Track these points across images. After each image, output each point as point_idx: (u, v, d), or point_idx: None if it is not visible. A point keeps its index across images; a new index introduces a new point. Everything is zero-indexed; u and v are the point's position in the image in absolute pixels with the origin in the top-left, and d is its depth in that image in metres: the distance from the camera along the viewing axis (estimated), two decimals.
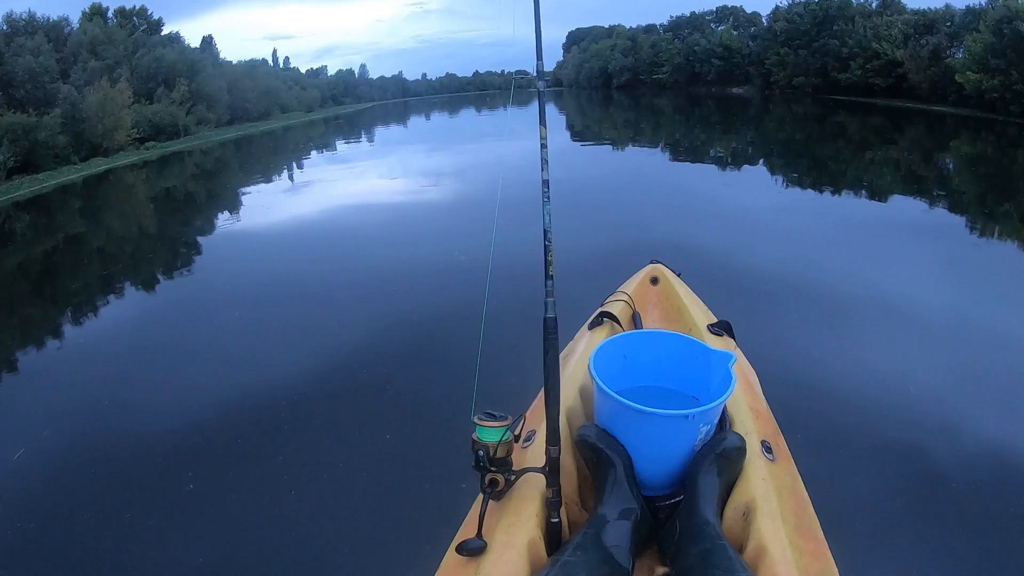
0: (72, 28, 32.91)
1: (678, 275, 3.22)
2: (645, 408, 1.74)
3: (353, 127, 38.30)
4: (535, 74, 1.84)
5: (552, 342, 1.72)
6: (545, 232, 1.75)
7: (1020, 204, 9.70)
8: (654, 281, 3.13)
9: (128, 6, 40.55)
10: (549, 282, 1.73)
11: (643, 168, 14.59)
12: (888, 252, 6.86)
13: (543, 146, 1.79)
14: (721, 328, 2.70)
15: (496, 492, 1.68)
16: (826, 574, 1.55)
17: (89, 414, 4.38)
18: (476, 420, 1.66)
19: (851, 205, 9.85)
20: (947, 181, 12.38)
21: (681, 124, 27.54)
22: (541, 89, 1.82)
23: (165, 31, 41.75)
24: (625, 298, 2.90)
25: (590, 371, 1.91)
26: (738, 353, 2.53)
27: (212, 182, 19.62)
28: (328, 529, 2.97)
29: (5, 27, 28.38)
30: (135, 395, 4.63)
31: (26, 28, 28.92)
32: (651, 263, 3.26)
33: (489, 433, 1.64)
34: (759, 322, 4.66)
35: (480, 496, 1.69)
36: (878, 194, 10.63)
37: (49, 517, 3.29)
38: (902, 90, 32.07)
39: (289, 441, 3.74)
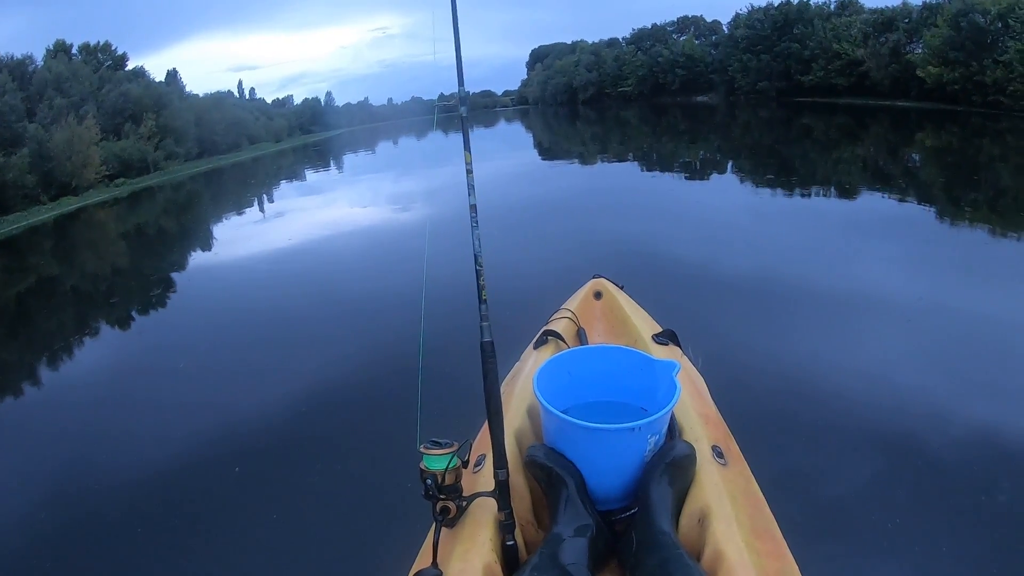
0: (36, 66, 32.57)
1: (621, 288, 3.22)
2: (591, 424, 1.76)
3: (322, 155, 38.09)
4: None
5: (491, 366, 1.73)
6: (476, 257, 1.76)
7: (986, 192, 9.95)
8: (597, 296, 3.13)
9: (92, 42, 40.34)
10: (483, 306, 1.74)
11: (603, 183, 14.54)
12: (846, 249, 6.98)
13: (468, 172, 1.81)
14: (666, 337, 2.71)
15: (448, 519, 1.67)
16: (786, 573, 1.55)
17: (57, 460, 4.28)
18: (422, 449, 1.65)
19: (815, 204, 10.05)
20: (913, 174, 12.64)
21: (648, 135, 27.79)
22: (463, 115, 1.84)
23: (130, 66, 41.39)
24: (569, 315, 2.88)
25: (534, 391, 1.91)
26: (684, 361, 2.55)
27: (183, 217, 19.30)
28: (285, 572, 2.91)
29: None
30: (102, 439, 4.53)
31: None
32: (594, 277, 3.26)
33: (436, 461, 1.63)
34: (708, 327, 4.71)
35: (433, 525, 1.67)
36: (842, 192, 10.88)
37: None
38: (864, 88, 32.73)
39: (240, 486, 3.64)
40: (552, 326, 2.77)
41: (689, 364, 2.60)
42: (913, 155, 15.33)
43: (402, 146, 40.46)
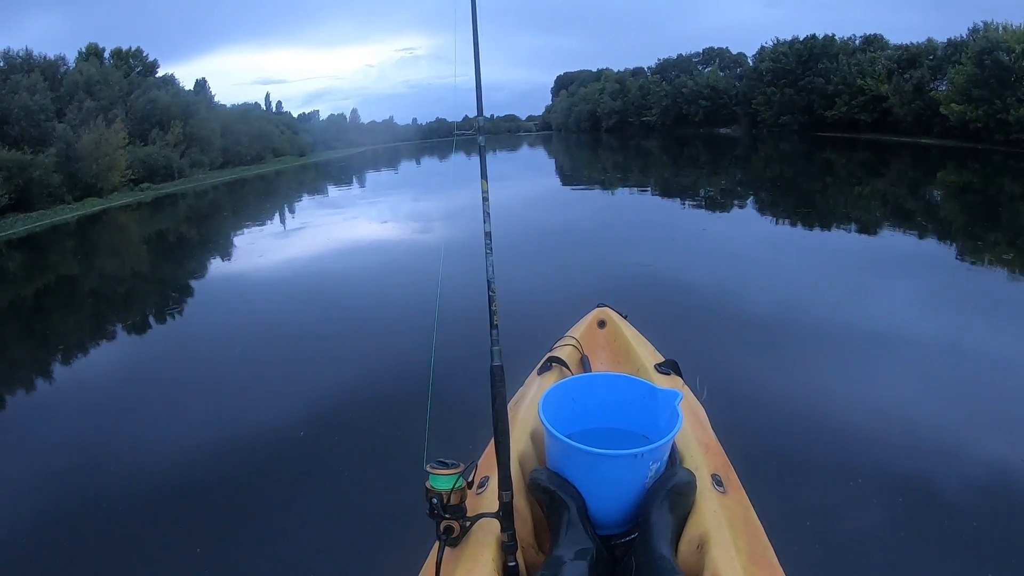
0: (68, 67, 33.33)
1: (624, 317, 3.26)
2: (594, 450, 1.79)
3: (345, 172, 38.24)
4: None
5: (499, 389, 1.75)
6: (488, 283, 1.78)
7: (1007, 230, 9.87)
8: (601, 324, 3.16)
9: (124, 47, 41.04)
10: (494, 331, 1.77)
11: (619, 211, 14.50)
12: (860, 285, 6.89)
13: (484, 199, 1.84)
14: (668, 367, 2.73)
15: (452, 539, 1.69)
16: None
17: (79, 455, 4.31)
18: (428, 468, 1.67)
19: (832, 239, 10.05)
20: (933, 212, 12.55)
21: (669, 166, 27.72)
22: (481, 144, 1.89)
23: (160, 73, 42.09)
24: (573, 342, 2.92)
25: (539, 416, 1.95)
26: (686, 391, 2.58)
27: (205, 225, 19.38)
28: None
29: (2, 63, 28.72)
30: (121, 436, 4.56)
31: (23, 66, 29.27)
32: (598, 307, 3.29)
33: (442, 481, 1.65)
34: (712, 358, 4.69)
35: (436, 544, 1.69)
36: (860, 227, 10.79)
37: (39, 557, 3.24)
38: (887, 124, 32.69)
39: (244, 497, 3.63)
40: (556, 353, 2.81)
41: (690, 394, 2.63)
42: (934, 192, 15.24)
43: (424, 166, 40.65)
